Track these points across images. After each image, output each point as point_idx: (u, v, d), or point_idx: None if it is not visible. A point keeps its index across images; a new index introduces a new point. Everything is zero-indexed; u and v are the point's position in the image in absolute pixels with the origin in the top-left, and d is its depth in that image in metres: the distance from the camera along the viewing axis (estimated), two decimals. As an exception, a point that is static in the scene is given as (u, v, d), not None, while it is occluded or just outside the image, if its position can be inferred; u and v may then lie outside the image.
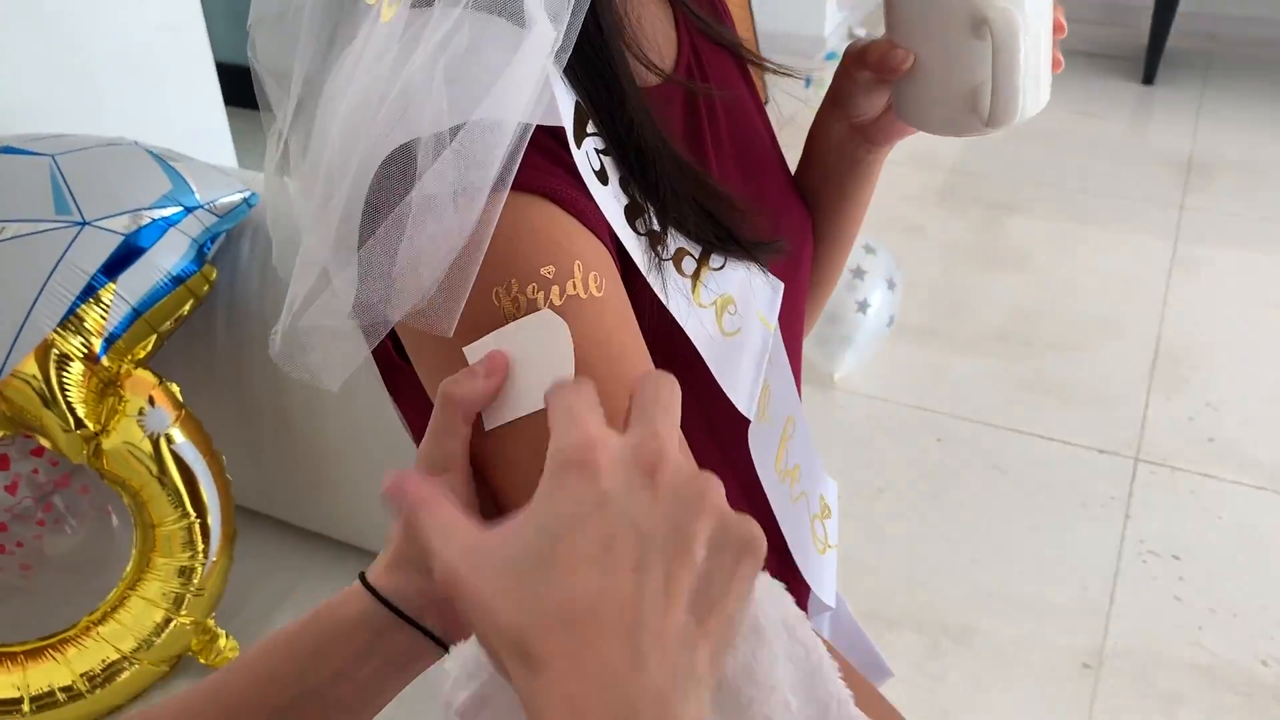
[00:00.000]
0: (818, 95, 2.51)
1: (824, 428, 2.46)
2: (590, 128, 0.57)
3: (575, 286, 0.50)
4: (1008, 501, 2.22)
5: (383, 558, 0.51)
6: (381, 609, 0.50)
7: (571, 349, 0.49)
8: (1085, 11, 4.47)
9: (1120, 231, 3.17)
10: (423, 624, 0.50)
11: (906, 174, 3.50)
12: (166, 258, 1.36)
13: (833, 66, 2.90)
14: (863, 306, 2.42)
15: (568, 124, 0.54)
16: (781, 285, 0.70)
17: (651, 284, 0.58)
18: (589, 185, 0.54)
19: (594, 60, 0.57)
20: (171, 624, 1.41)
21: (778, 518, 0.76)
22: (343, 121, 0.50)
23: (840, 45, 4.06)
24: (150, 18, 1.84)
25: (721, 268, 0.65)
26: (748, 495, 0.74)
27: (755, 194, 0.73)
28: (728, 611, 0.39)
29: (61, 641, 1.37)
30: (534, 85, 0.49)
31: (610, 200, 0.56)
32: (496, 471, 0.50)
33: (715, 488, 0.41)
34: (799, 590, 0.82)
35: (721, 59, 0.77)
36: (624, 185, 0.58)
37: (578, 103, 0.57)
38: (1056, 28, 0.69)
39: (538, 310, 0.49)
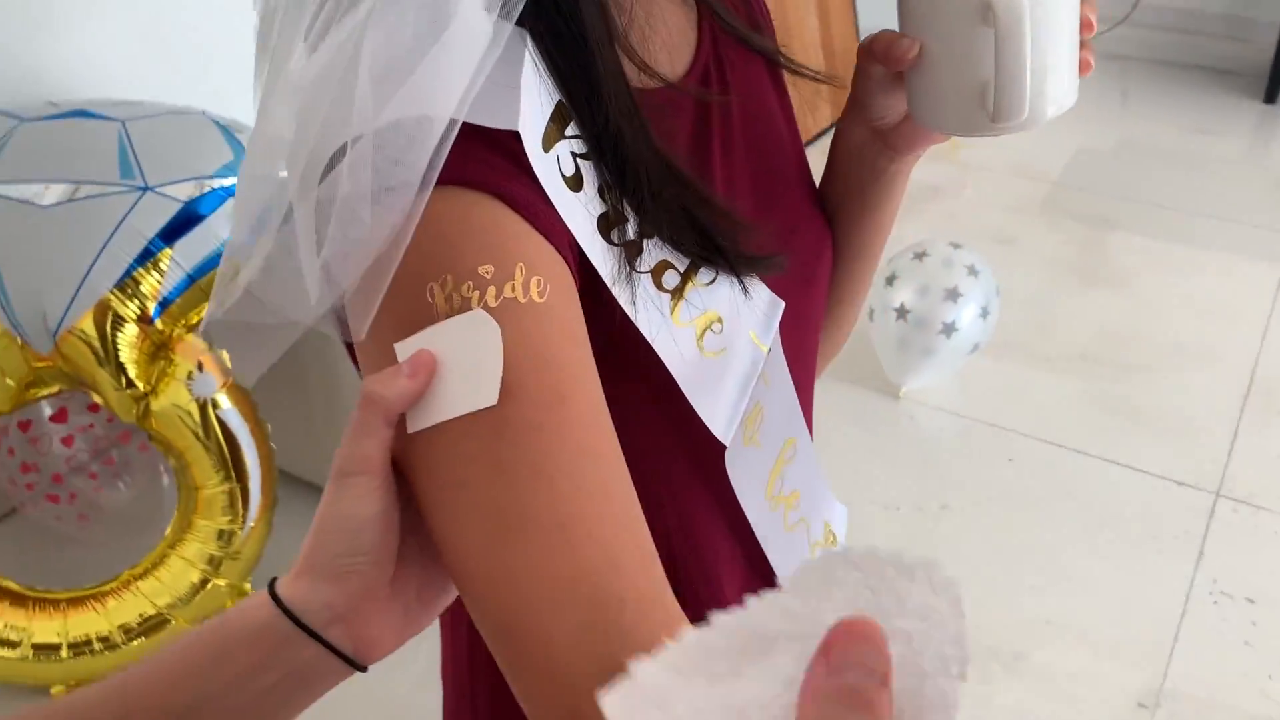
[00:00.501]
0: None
1: (888, 439, 2.41)
2: (570, 130, 0.55)
3: (514, 289, 0.48)
4: (1076, 528, 2.14)
5: (294, 565, 0.50)
6: (285, 620, 0.48)
7: (501, 353, 0.47)
8: (1207, 25, 4.28)
9: (1226, 255, 3.03)
10: (326, 638, 0.48)
11: (1007, 183, 3.40)
12: (225, 226, 1.39)
13: None
14: (949, 329, 2.33)
15: (532, 127, 0.52)
16: (782, 303, 0.67)
17: (617, 296, 0.55)
18: (550, 191, 0.52)
19: (576, 58, 0.55)
20: (208, 585, 1.44)
21: (763, 545, 0.72)
22: (271, 121, 0.50)
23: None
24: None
25: (711, 282, 0.62)
26: (728, 520, 0.70)
27: (765, 206, 0.70)
28: None
29: (102, 593, 1.42)
30: (463, 79, 0.48)
31: (578, 208, 0.54)
32: (417, 475, 0.49)
33: None
34: None
35: (753, 65, 0.74)
36: (602, 193, 0.56)
37: (560, 103, 0.54)
38: (1085, 25, 0.65)
39: (470, 310, 0.47)
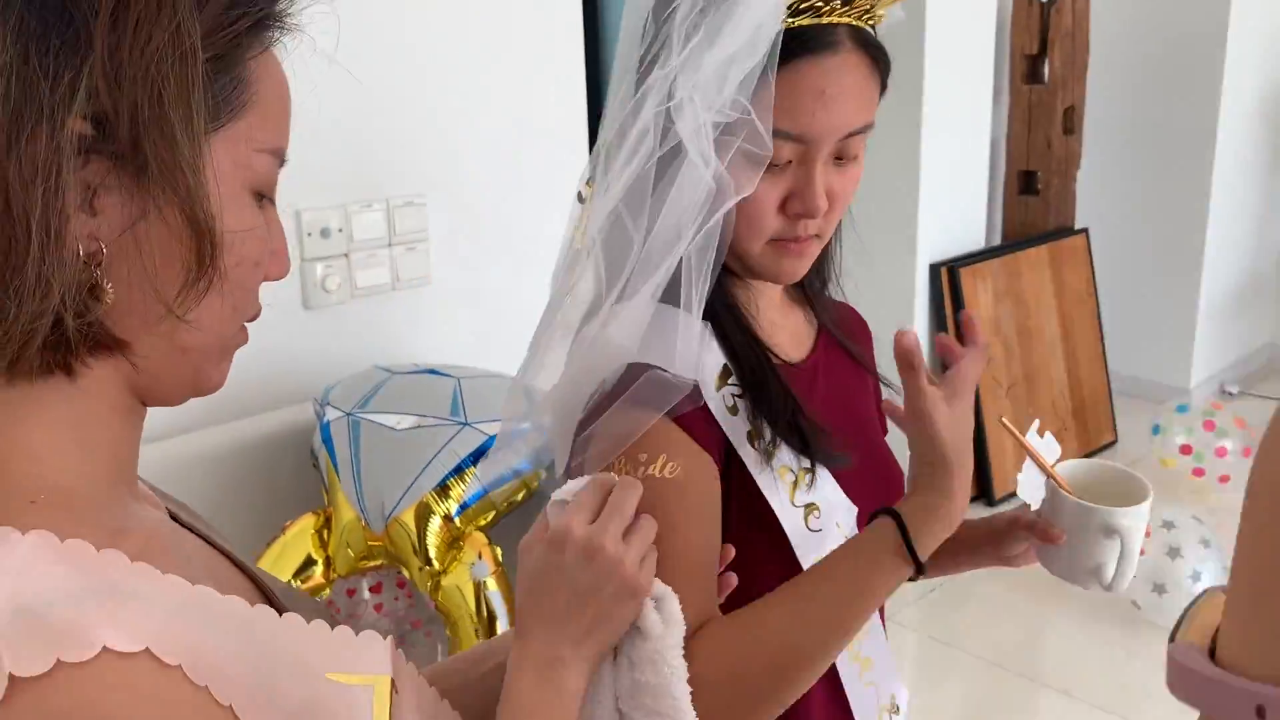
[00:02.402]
0: (1162, 442, 2.95)
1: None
2: (731, 380, 0.95)
3: (656, 469, 0.88)
4: None
5: None
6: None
7: (636, 500, 0.84)
8: None
9: None
10: None
11: None
12: (514, 457, 1.89)
13: (1180, 418, 3.23)
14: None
15: (708, 377, 0.92)
16: (854, 509, 1.01)
17: (759, 483, 0.94)
18: (715, 414, 0.91)
19: (731, 342, 0.97)
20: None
21: (844, 685, 1.02)
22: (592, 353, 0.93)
23: (1207, 400, 4.10)
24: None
25: (812, 484, 0.98)
26: None
27: (849, 437, 1.03)
28: (611, 625, 0.80)
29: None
30: (684, 352, 0.89)
31: (736, 425, 0.93)
32: None
33: (624, 567, 0.79)
34: None
35: (848, 359, 1.13)
36: (750, 417, 0.95)
37: (724, 364, 0.95)
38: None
39: (629, 475, 0.88)
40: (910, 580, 0.92)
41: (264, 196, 0.65)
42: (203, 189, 0.58)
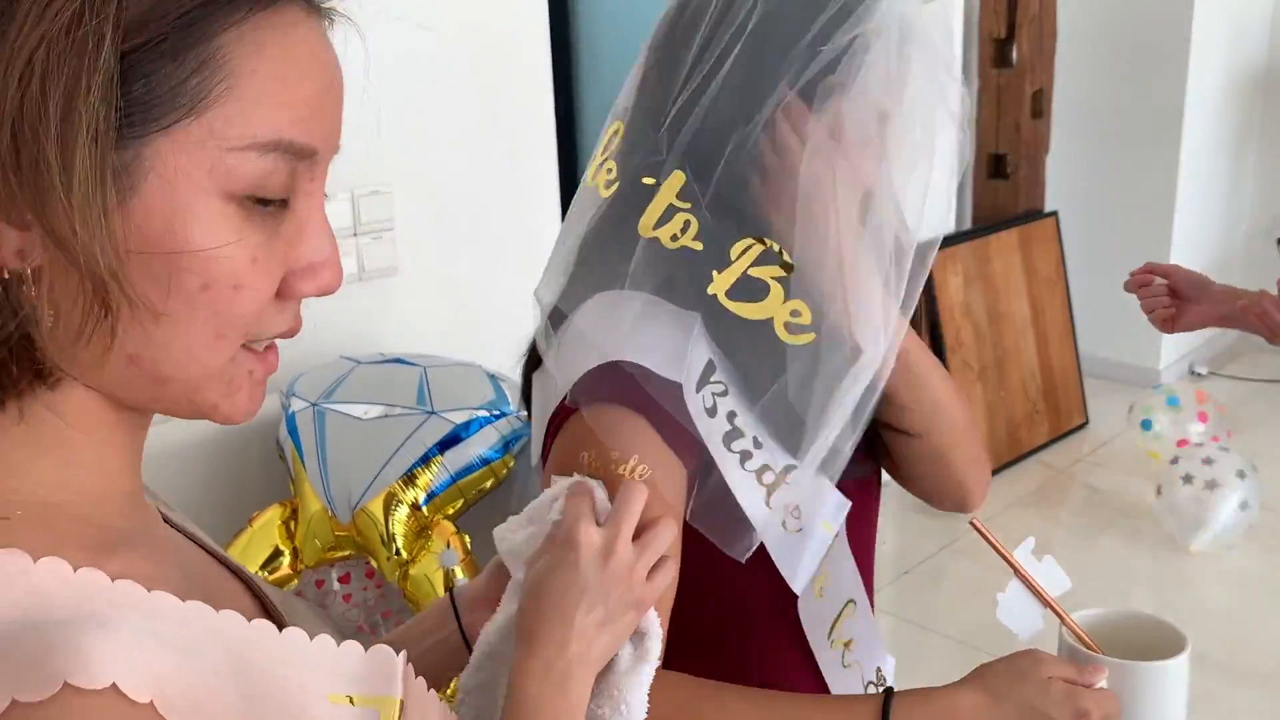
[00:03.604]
0: (1152, 435, 2.94)
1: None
2: (713, 379, 0.87)
3: (626, 469, 0.84)
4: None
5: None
6: (448, 600, 0.87)
7: (608, 500, 0.82)
8: None
9: None
10: (461, 622, 0.87)
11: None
12: (481, 445, 1.88)
13: (1153, 396, 3.27)
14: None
15: (691, 378, 0.84)
16: (848, 504, 0.96)
17: (731, 485, 0.87)
18: (694, 416, 0.84)
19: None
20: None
21: (824, 674, 1.02)
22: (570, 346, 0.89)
23: (1175, 382, 4.12)
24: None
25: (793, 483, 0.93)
26: (800, 650, 1.00)
27: None
28: (614, 631, 0.77)
29: None
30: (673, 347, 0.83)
31: (713, 427, 0.86)
32: None
33: (637, 571, 0.78)
34: None
35: None
36: (729, 418, 0.87)
37: (709, 361, 0.86)
38: None
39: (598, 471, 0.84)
40: None
41: (263, 200, 0.52)
42: (91, 218, 0.47)
